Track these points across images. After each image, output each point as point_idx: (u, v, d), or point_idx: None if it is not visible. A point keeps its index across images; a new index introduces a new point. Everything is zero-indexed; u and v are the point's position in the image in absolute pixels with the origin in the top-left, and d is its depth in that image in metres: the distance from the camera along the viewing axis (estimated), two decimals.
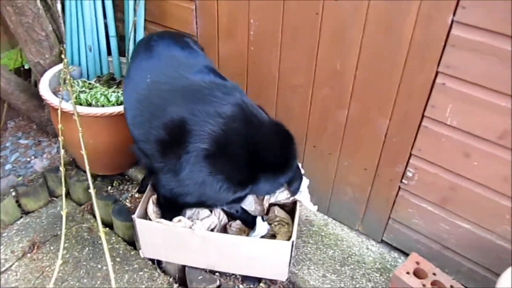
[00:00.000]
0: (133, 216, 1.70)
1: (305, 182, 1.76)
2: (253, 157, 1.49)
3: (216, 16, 1.87)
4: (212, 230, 1.75)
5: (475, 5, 1.24)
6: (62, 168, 1.72)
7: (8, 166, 2.32)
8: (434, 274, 1.67)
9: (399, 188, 1.70)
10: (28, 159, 2.37)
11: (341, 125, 1.72)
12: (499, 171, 1.41)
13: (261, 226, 1.77)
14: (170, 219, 1.62)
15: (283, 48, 1.73)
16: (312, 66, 1.67)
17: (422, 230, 1.72)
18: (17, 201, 2.11)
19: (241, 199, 1.61)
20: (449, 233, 1.65)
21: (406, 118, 1.54)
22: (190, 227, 1.61)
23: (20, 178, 2.25)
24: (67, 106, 1.88)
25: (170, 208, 1.64)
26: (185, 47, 1.65)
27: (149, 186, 1.78)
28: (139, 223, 1.69)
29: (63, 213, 1.64)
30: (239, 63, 1.91)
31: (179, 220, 1.61)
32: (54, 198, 2.22)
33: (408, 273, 1.66)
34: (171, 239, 1.69)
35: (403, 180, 1.66)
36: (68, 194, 2.25)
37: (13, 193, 2.11)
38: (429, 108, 1.46)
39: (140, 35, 2.05)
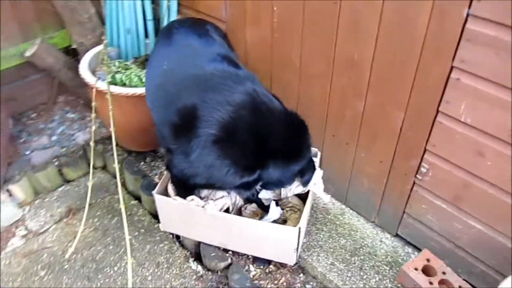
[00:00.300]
0: (153, 192, 1.81)
1: (319, 173, 1.78)
2: (261, 144, 1.53)
3: (243, 3, 1.90)
4: (226, 211, 1.83)
5: None
6: (92, 143, 1.87)
7: (54, 138, 2.53)
8: (443, 273, 1.64)
9: (414, 183, 1.67)
10: (73, 132, 2.57)
11: (359, 116, 1.71)
12: None
13: (274, 211, 1.81)
14: (184, 197, 1.71)
15: (304, 37, 1.74)
16: (331, 55, 1.67)
17: (436, 227, 1.69)
18: (59, 170, 2.31)
19: (249, 185, 1.65)
20: (461, 232, 1.60)
21: (421, 112, 1.50)
22: (203, 207, 1.69)
23: (64, 149, 2.45)
24: (102, 85, 2.01)
25: (182, 187, 1.73)
26: (203, 35, 1.70)
27: None
28: (158, 199, 1.80)
29: (89, 184, 1.79)
30: (264, 50, 1.94)
31: (192, 199, 1.70)
32: (94, 169, 2.39)
33: (416, 269, 1.65)
34: (186, 216, 1.78)
35: (417, 175, 1.64)
36: (105, 167, 2.42)
37: (56, 163, 2.31)
38: (444, 104, 1.42)
39: (173, 18, 2.13)
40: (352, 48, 1.59)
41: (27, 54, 2.36)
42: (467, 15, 1.25)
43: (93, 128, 1.91)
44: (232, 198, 1.88)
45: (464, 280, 1.63)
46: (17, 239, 2.03)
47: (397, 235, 1.88)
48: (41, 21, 2.54)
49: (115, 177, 2.35)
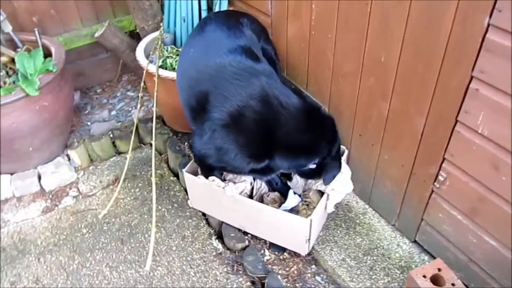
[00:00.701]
0: (183, 170, 1.96)
1: (347, 185, 1.80)
2: (268, 135, 1.62)
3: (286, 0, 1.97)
4: (249, 196, 1.93)
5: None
6: (135, 118, 2.05)
7: (113, 112, 2.79)
8: (453, 284, 1.61)
9: (432, 191, 1.65)
10: (130, 109, 2.81)
11: (383, 118, 1.72)
12: None
13: (292, 198, 1.89)
14: (206, 177, 1.84)
15: (338, 35, 1.77)
16: (361, 55, 1.69)
17: (451, 238, 1.66)
18: (113, 142, 2.55)
19: (262, 171, 1.74)
20: (476, 246, 1.57)
21: (441, 120, 1.49)
22: (223, 188, 1.81)
23: (120, 124, 2.69)
24: (153, 68, 2.19)
25: (202, 166, 1.87)
26: (233, 27, 1.80)
27: None
28: (187, 176, 1.95)
29: (128, 155, 1.97)
30: (302, 45, 1.99)
31: (214, 180, 1.82)
32: (142, 145, 2.61)
33: (424, 276, 1.63)
34: (210, 195, 1.91)
35: (435, 183, 1.62)
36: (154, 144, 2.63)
37: (111, 135, 2.55)
38: (462, 113, 1.40)
39: (224, 8, 2.25)
40: (380, 49, 1.60)
41: (96, 34, 2.61)
42: (488, 25, 1.22)
43: (138, 106, 2.10)
44: (257, 184, 1.99)
45: None
46: (69, 198, 2.29)
47: (415, 242, 1.87)
48: (113, 6, 2.80)
49: (160, 154, 2.55)
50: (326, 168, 1.75)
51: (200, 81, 1.69)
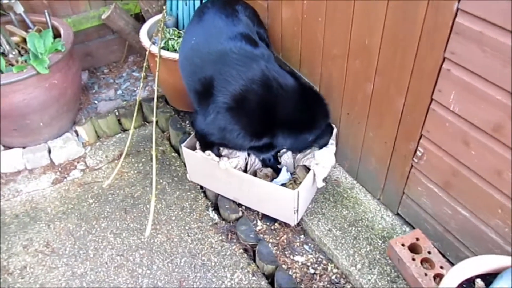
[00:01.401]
0: (181, 144, 2.09)
1: (328, 156, 1.93)
2: (269, 115, 1.75)
3: None
4: (244, 171, 2.06)
5: None
6: (139, 97, 2.19)
7: (119, 92, 2.92)
8: (429, 252, 1.75)
9: (412, 166, 1.77)
10: (135, 89, 2.94)
11: (368, 97, 1.83)
12: (493, 163, 1.42)
13: (283, 174, 2.02)
14: (203, 151, 1.98)
15: (327, 19, 1.87)
16: (347, 39, 1.79)
17: (429, 210, 1.78)
18: (118, 120, 2.69)
19: (261, 149, 1.87)
20: (450, 217, 1.69)
21: (418, 99, 1.60)
22: (217, 162, 1.94)
23: (125, 102, 2.83)
24: (155, 49, 2.32)
25: (203, 142, 2.00)
26: (230, 15, 1.92)
27: None
28: (185, 151, 2.09)
29: (130, 131, 2.11)
30: (295, 28, 2.10)
31: (209, 154, 1.96)
32: (146, 123, 2.75)
33: (403, 245, 1.77)
34: (207, 169, 2.05)
35: (414, 158, 1.73)
36: (156, 122, 2.76)
37: (116, 113, 2.69)
38: (437, 92, 1.51)
39: None
40: (364, 33, 1.70)
41: (103, 16, 2.73)
42: (457, 9, 1.32)
43: (141, 85, 2.22)
44: (251, 159, 2.12)
45: (448, 262, 1.72)
46: (77, 171, 2.44)
47: (398, 214, 1.99)
48: None
49: (163, 131, 2.68)
50: (320, 136, 1.92)
51: (203, 68, 1.82)
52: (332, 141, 1.99)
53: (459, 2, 1.30)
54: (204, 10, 1.99)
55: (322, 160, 1.90)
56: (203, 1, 2.38)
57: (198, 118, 1.90)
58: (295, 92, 1.80)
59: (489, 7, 1.23)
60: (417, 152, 1.70)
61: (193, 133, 2.13)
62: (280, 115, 1.78)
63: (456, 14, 1.33)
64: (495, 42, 1.24)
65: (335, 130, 2.06)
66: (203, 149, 1.99)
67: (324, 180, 2.00)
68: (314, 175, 1.91)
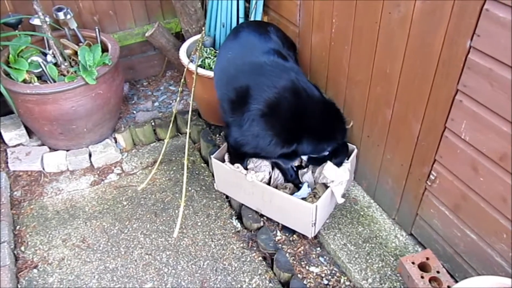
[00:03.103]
0: (211, 155, 2.26)
1: (344, 174, 2.05)
2: (298, 122, 1.94)
3: (311, 12, 2.23)
4: (268, 184, 2.21)
5: (487, 35, 1.37)
6: (174, 110, 2.38)
7: (156, 104, 3.14)
8: (437, 271, 1.84)
9: (425, 188, 1.87)
10: (171, 102, 3.15)
11: (387, 122, 1.96)
12: (499, 190, 1.52)
13: (304, 189, 2.15)
14: (232, 163, 2.14)
15: (352, 47, 2.02)
16: (370, 66, 1.93)
17: (440, 232, 1.88)
18: (154, 130, 2.89)
19: (289, 156, 2.04)
20: (459, 239, 1.78)
21: (433, 125, 1.71)
22: (245, 174, 2.10)
23: (161, 114, 3.03)
24: (192, 67, 2.51)
25: (235, 154, 2.16)
26: (263, 34, 2.12)
27: None
28: (214, 162, 2.25)
29: (166, 141, 2.29)
30: (323, 54, 2.25)
31: (238, 167, 2.12)
32: (179, 134, 2.94)
33: (413, 263, 1.87)
34: (233, 180, 2.21)
35: (427, 181, 1.84)
36: (189, 133, 2.95)
37: (152, 123, 2.90)
38: (450, 121, 1.62)
39: (258, 17, 2.55)
40: (386, 62, 1.84)
41: (147, 34, 2.95)
42: (470, 47, 1.45)
43: (178, 99, 2.42)
44: (274, 174, 2.26)
45: (456, 282, 1.80)
46: (114, 175, 2.65)
47: (411, 234, 2.09)
48: (163, 9, 3.15)
49: (194, 142, 2.87)
50: (336, 154, 2.08)
51: (238, 77, 2.02)
52: (348, 161, 2.12)
53: (471, 40, 1.43)
54: (239, 29, 2.20)
55: (336, 176, 2.02)
56: (238, 24, 2.58)
57: (232, 129, 2.07)
58: (320, 103, 2.00)
59: (498, 46, 1.35)
60: (431, 176, 1.81)
61: (222, 146, 2.30)
62: (307, 123, 1.96)
63: (469, 51, 1.45)
64: (502, 78, 1.36)
65: (355, 151, 2.19)
66: (233, 161, 2.15)
67: (343, 196, 2.12)
68: (332, 192, 2.03)
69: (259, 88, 1.92)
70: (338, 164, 2.08)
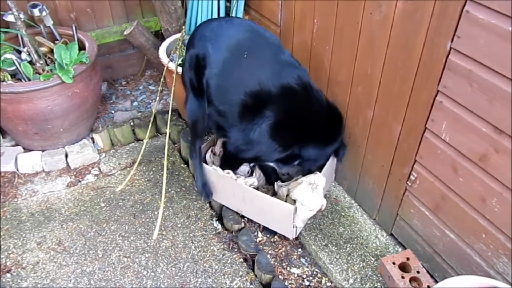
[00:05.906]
0: (192, 157, 2.23)
1: (316, 205, 2.00)
2: (304, 128, 1.94)
3: (293, 12, 2.23)
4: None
5: (467, 37, 1.38)
6: (154, 110, 2.34)
7: (135, 103, 3.08)
8: (418, 272, 1.85)
9: (406, 189, 1.88)
10: (150, 101, 3.10)
11: (368, 123, 1.96)
12: (478, 191, 1.53)
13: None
14: (223, 169, 2.14)
15: (334, 48, 2.02)
16: (352, 66, 1.94)
17: (420, 232, 1.89)
18: (133, 130, 2.84)
19: (287, 159, 2.05)
20: (439, 239, 1.79)
21: (413, 127, 1.72)
22: (235, 179, 2.07)
23: (140, 114, 2.98)
24: (172, 66, 2.47)
25: (232, 162, 2.15)
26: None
27: (209, 139, 2.30)
28: (195, 164, 2.22)
29: (145, 141, 2.25)
30: (305, 54, 2.25)
31: (228, 173, 2.10)
32: (159, 134, 2.89)
33: (394, 263, 1.88)
34: (215, 181, 2.18)
35: (407, 182, 1.85)
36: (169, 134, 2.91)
37: (131, 123, 2.84)
38: (430, 122, 1.63)
39: (239, 15, 2.53)
40: (367, 63, 1.84)
41: (125, 32, 2.90)
42: (450, 48, 1.46)
43: (157, 98, 2.38)
44: (256, 175, 2.25)
45: (435, 282, 1.82)
46: (91, 176, 2.58)
47: (391, 235, 2.10)
48: (142, 7, 3.10)
49: (174, 143, 2.83)
50: (338, 150, 2.12)
51: (252, 81, 1.92)
52: (323, 183, 2.06)
53: (452, 41, 1.44)
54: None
55: (308, 202, 1.97)
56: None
57: (233, 135, 2.02)
58: (326, 108, 2.02)
59: (477, 48, 1.36)
60: (411, 176, 1.82)
61: (203, 147, 2.27)
62: (315, 130, 1.97)
63: (449, 52, 1.46)
64: (482, 80, 1.38)
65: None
66: (227, 167, 2.12)
67: (325, 197, 2.11)
68: (295, 212, 1.97)
69: (279, 93, 1.88)
70: (341, 159, 2.15)
